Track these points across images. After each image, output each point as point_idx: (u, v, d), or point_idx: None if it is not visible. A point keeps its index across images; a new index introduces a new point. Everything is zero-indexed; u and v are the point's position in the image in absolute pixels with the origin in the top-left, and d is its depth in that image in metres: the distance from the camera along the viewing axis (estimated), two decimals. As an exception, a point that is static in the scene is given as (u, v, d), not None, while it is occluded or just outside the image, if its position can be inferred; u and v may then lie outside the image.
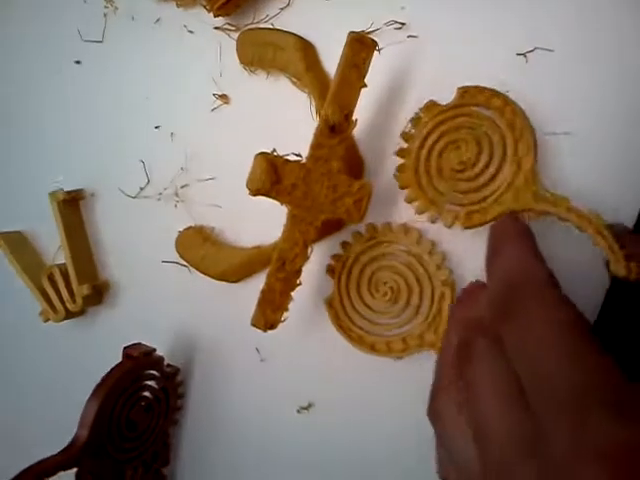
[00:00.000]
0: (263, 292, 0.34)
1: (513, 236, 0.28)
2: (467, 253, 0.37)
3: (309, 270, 0.39)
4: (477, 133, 0.35)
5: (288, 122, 0.40)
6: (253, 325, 0.35)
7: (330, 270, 0.39)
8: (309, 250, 0.35)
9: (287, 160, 0.32)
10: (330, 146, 0.32)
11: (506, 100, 0.34)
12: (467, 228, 0.35)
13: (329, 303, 0.39)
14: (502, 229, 0.29)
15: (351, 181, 0.34)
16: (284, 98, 0.39)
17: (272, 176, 0.32)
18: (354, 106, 0.32)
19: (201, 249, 0.42)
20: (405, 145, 0.37)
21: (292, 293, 0.35)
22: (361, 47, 0.32)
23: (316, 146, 0.32)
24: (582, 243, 0.32)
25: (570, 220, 0.33)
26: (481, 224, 0.35)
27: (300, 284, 0.35)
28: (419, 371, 0.37)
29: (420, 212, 0.36)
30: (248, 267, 0.41)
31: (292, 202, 0.33)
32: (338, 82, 0.32)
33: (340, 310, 0.39)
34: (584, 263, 0.33)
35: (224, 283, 0.41)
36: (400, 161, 0.37)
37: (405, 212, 0.38)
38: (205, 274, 0.41)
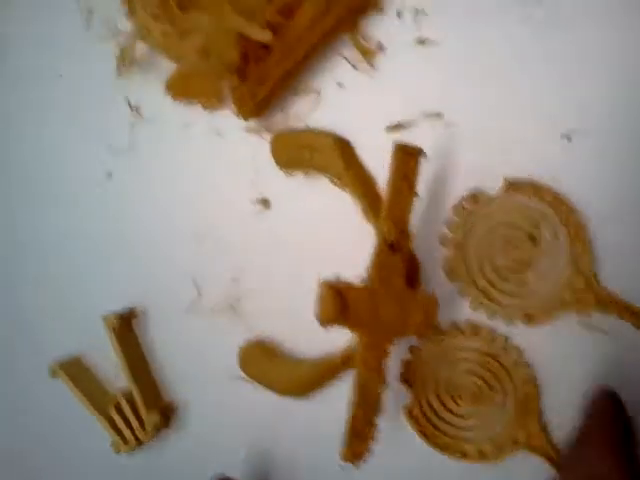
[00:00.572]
0: (349, 425, 0.33)
1: (606, 434, 0.28)
2: (539, 347, 0.36)
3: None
4: (529, 229, 0.34)
5: (332, 222, 0.39)
6: (343, 461, 0.33)
7: (404, 379, 0.38)
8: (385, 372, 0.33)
9: (352, 285, 0.31)
10: (392, 264, 0.32)
11: (557, 195, 0.33)
12: (530, 326, 0.34)
13: (408, 411, 0.37)
14: (598, 414, 0.29)
15: (415, 294, 0.33)
16: (326, 197, 0.39)
17: (339, 305, 0.31)
18: (409, 218, 0.32)
19: (263, 364, 0.41)
20: (450, 235, 0.36)
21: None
22: (408, 157, 0.31)
23: (378, 267, 0.32)
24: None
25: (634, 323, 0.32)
26: (543, 324, 0.34)
27: (383, 409, 0.34)
28: (517, 476, 0.36)
29: (474, 308, 0.35)
30: (315, 380, 0.40)
31: (361, 328, 0.32)
32: (390, 197, 0.31)
33: (421, 417, 0.37)
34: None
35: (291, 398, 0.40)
36: (447, 252, 0.36)
37: (466, 309, 0.36)
38: (271, 390, 0.40)
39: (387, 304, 0.32)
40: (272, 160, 0.40)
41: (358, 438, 0.33)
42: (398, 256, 0.32)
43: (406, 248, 0.32)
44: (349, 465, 0.39)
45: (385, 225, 0.31)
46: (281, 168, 0.40)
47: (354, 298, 0.31)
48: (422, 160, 0.32)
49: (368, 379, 0.32)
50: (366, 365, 0.33)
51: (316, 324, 0.39)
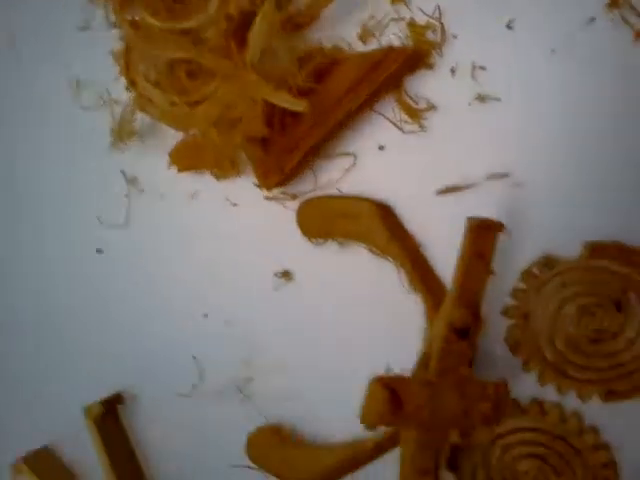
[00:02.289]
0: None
1: None
2: (620, 427, 0.30)
3: None
4: (613, 295, 0.28)
5: (365, 295, 0.32)
6: None
7: (450, 465, 0.31)
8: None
9: (408, 381, 0.25)
10: (459, 353, 0.25)
11: None
12: (609, 402, 0.29)
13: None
14: None
15: (484, 384, 0.26)
16: (362, 269, 0.32)
17: (393, 405, 0.24)
18: (482, 300, 0.26)
19: (279, 452, 0.34)
20: (515, 303, 0.30)
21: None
22: (485, 232, 0.25)
23: (443, 357, 0.25)
24: None
25: None
26: (627, 400, 0.29)
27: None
28: None
29: (543, 383, 0.30)
30: (340, 469, 0.33)
31: (417, 426, 0.26)
32: (462, 277, 0.25)
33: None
34: None
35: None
36: (510, 322, 0.30)
37: (531, 384, 0.31)
38: (286, 482, 0.34)
39: (448, 396, 0.26)
40: (297, 230, 0.34)
41: None
42: (467, 343, 0.26)
43: (476, 335, 0.26)
44: None
45: (456, 309, 0.25)
46: (309, 239, 0.34)
47: (411, 396, 0.25)
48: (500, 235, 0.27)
49: (416, 472, 0.26)
50: (415, 468, 0.26)
51: (343, 405, 0.33)
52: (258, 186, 0.33)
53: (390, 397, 0.24)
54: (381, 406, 0.24)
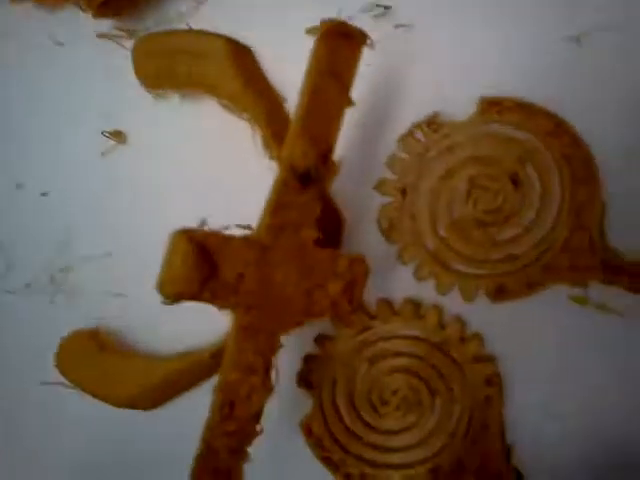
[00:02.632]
0: (199, 459, 0.20)
1: None
2: (510, 333, 0.25)
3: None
4: (511, 167, 0.23)
5: (217, 167, 0.26)
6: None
7: (303, 380, 0.25)
8: (273, 373, 0.21)
9: (228, 237, 0.18)
10: (300, 206, 0.19)
11: (557, 121, 0.22)
12: (498, 302, 0.23)
13: (306, 427, 0.25)
14: None
15: (335, 256, 0.20)
16: (211, 129, 0.25)
17: (204, 268, 0.18)
18: (335, 137, 0.19)
19: (97, 364, 0.27)
20: (392, 176, 0.24)
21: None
22: (342, 42, 0.18)
23: (277, 209, 0.19)
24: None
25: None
26: (519, 300, 0.23)
27: (261, 432, 0.21)
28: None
29: (420, 278, 0.24)
30: (172, 386, 0.26)
31: (239, 305, 0.19)
32: (308, 102, 0.18)
33: (326, 436, 0.25)
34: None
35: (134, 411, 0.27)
36: (385, 200, 0.24)
37: (408, 282, 0.25)
38: (104, 401, 0.27)
39: (286, 269, 0.19)
40: (134, 79, 0.26)
41: (219, 471, 0.20)
42: (311, 194, 0.19)
43: (325, 185, 0.19)
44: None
45: (298, 146, 0.18)
46: (147, 87, 0.26)
47: (230, 258, 0.18)
48: (364, 51, 0.20)
49: (238, 384, 0.19)
50: (240, 362, 0.20)
51: (182, 308, 0.26)
52: (82, 8, 0.25)
53: (198, 255, 0.18)
54: (185, 266, 0.18)
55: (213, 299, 0.19)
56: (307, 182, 0.18)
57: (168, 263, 0.18)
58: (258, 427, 0.21)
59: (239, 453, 0.21)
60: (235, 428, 0.20)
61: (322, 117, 0.18)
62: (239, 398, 0.20)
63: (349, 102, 0.19)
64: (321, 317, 0.20)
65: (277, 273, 0.19)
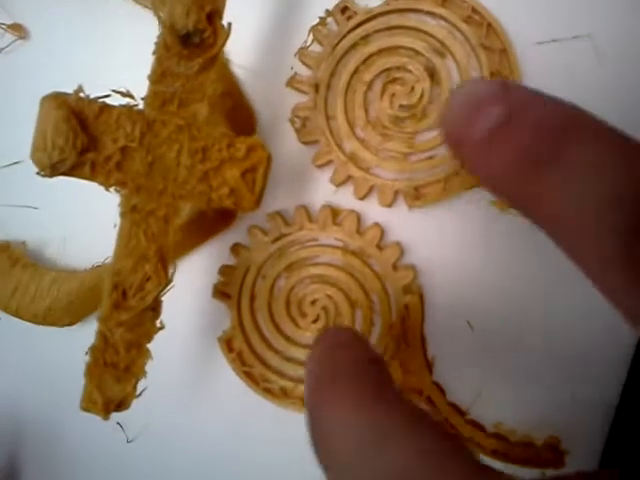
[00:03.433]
0: (95, 350, 0.19)
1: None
2: (430, 241, 0.24)
3: (183, 295, 0.24)
4: (428, 59, 0.22)
5: (124, 58, 0.24)
6: (84, 409, 0.20)
7: (220, 292, 0.24)
8: (170, 267, 0.20)
9: (106, 105, 0.17)
10: (186, 76, 0.18)
11: (474, 7, 0.21)
12: (415, 208, 0.22)
13: (226, 342, 0.24)
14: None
15: (231, 138, 0.19)
16: (114, 18, 0.24)
17: (79, 136, 0.17)
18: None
19: (8, 278, 0.26)
20: (305, 72, 0.23)
21: (148, 344, 0.20)
22: None
23: (160, 76, 0.18)
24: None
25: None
26: (438, 205, 0.23)
27: (162, 328, 0.20)
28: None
29: (337, 183, 0.23)
30: (87, 300, 0.25)
31: (126, 183, 0.18)
32: None
33: (246, 351, 0.24)
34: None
35: (49, 328, 0.25)
36: (300, 100, 0.23)
37: (325, 188, 0.24)
38: (18, 317, 0.26)
39: (177, 146, 0.18)
40: None
41: (112, 373, 0.19)
42: (198, 61, 0.18)
43: (217, 50, 0.18)
44: (138, 433, 0.26)
45: (178, 2, 0.17)
46: None
47: (109, 127, 0.17)
48: None
49: (129, 272, 0.18)
50: (130, 249, 0.19)
51: (99, 218, 0.25)
52: None
53: (72, 121, 0.16)
54: (58, 135, 0.16)
55: (94, 174, 0.17)
56: (191, 45, 0.17)
57: (40, 131, 0.17)
58: (157, 322, 0.20)
59: (138, 349, 0.20)
60: (129, 318, 0.19)
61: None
62: (131, 286, 0.19)
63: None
64: (220, 205, 0.19)
65: (167, 152, 0.18)
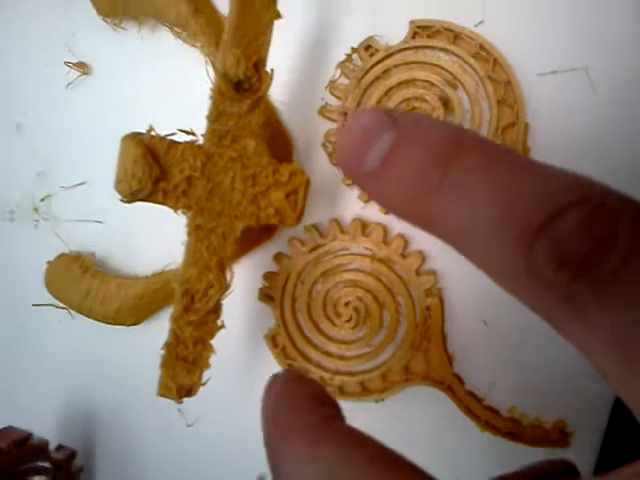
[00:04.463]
0: (169, 346, 0.23)
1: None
2: (442, 252, 0.27)
3: (234, 299, 0.28)
4: (442, 90, 0.25)
5: (177, 94, 0.28)
6: (161, 395, 0.23)
7: (265, 295, 0.28)
8: (228, 274, 0.23)
9: (174, 142, 0.21)
10: (238, 115, 0.21)
11: (482, 44, 0.24)
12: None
13: (272, 339, 0.28)
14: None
15: (276, 166, 0.22)
16: (167, 58, 0.28)
17: (153, 169, 0.20)
18: (266, 49, 0.21)
19: (81, 284, 0.30)
20: (335, 103, 0.26)
21: (212, 341, 0.24)
22: None
23: (216, 117, 0.21)
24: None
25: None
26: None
27: (223, 327, 0.24)
28: (407, 413, 0.27)
29: (365, 199, 0.26)
30: (149, 302, 0.29)
31: (191, 207, 0.22)
32: (237, 14, 0.20)
33: (289, 346, 0.28)
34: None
35: (118, 327, 0.29)
36: (331, 127, 0.26)
37: (355, 203, 0.27)
38: (91, 317, 0.29)
39: (231, 173, 0.22)
40: (91, 7, 0.28)
41: (183, 365, 0.22)
42: (247, 103, 0.21)
43: (262, 93, 0.22)
44: (195, 419, 0.29)
45: (230, 55, 0.21)
46: (104, 17, 0.28)
47: (177, 161, 0.21)
48: None
49: (196, 280, 0.22)
50: (196, 260, 0.22)
51: (156, 232, 0.29)
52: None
53: (147, 157, 0.20)
54: (136, 168, 0.20)
55: (165, 199, 0.21)
56: (241, 90, 0.20)
57: (122, 165, 0.20)
58: (218, 322, 0.24)
59: (203, 344, 0.23)
60: (196, 319, 0.23)
61: (251, 29, 0.21)
62: (197, 292, 0.22)
63: (277, 14, 0.21)
64: (268, 223, 0.23)
65: (223, 179, 0.22)
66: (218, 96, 0.21)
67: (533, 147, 0.24)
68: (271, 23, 0.21)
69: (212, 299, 0.23)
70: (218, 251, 0.22)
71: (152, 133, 0.21)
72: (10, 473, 0.29)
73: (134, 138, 0.20)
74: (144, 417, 0.31)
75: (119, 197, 0.21)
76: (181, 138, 0.21)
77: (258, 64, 0.21)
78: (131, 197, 0.21)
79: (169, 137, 0.21)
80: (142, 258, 0.30)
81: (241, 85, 0.20)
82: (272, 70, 0.21)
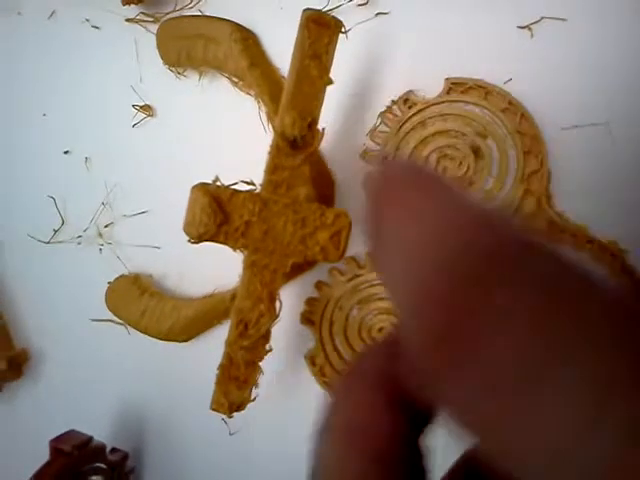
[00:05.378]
0: (223, 367, 0.26)
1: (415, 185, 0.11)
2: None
3: (279, 321, 0.31)
4: (473, 140, 0.27)
5: (232, 136, 0.31)
6: (214, 410, 0.26)
7: (306, 319, 0.31)
8: (277, 305, 0.26)
9: (235, 191, 0.24)
10: (292, 167, 0.24)
11: (511, 100, 0.26)
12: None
13: (311, 359, 0.31)
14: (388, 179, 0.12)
15: (323, 210, 0.25)
16: (224, 104, 0.31)
17: (217, 215, 0.23)
18: (319, 111, 0.24)
19: (139, 303, 0.33)
20: (375, 148, 0.29)
21: (260, 362, 0.26)
22: (321, 30, 0.23)
23: (273, 169, 0.24)
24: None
25: (588, 251, 0.26)
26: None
27: (270, 350, 0.27)
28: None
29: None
30: (200, 322, 0.32)
31: (248, 246, 0.25)
32: (294, 80, 0.23)
33: (327, 366, 0.30)
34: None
35: (171, 343, 0.32)
36: (370, 168, 0.29)
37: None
38: (146, 334, 0.33)
39: (284, 218, 0.25)
40: (158, 56, 0.32)
41: (235, 384, 0.25)
42: (300, 158, 0.24)
43: (314, 148, 0.24)
44: (238, 428, 0.32)
45: (287, 116, 0.23)
46: (170, 66, 0.32)
47: (238, 208, 0.24)
48: (339, 36, 0.25)
49: (250, 310, 0.25)
50: (250, 293, 0.25)
51: (208, 257, 0.32)
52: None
53: (213, 205, 0.23)
54: (203, 214, 0.23)
55: (227, 240, 0.24)
56: (296, 147, 0.23)
57: (190, 211, 0.23)
58: (267, 346, 0.26)
59: (253, 366, 0.26)
60: (248, 344, 0.25)
61: (306, 93, 0.23)
62: (250, 321, 0.25)
63: (329, 81, 0.24)
64: (314, 259, 0.26)
65: (277, 222, 0.24)
66: (275, 151, 0.23)
67: (556, 193, 0.27)
68: (324, 88, 0.23)
69: (263, 327, 0.25)
70: (269, 285, 0.25)
71: (217, 183, 0.23)
72: (74, 473, 0.32)
73: (202, 188, 0.23)
74: (190, 424, 0.34)
75: (187, 238, 0.24)
76: (242, 186, 0.24)
77: (312, 124, 0.23)
78: (198, 239, 0.23)
79: (232, 186, 0.24)
80: (195, 280, 0.33)
81: (296, 142, 0.23)
82: (323, 129, 0.24)
